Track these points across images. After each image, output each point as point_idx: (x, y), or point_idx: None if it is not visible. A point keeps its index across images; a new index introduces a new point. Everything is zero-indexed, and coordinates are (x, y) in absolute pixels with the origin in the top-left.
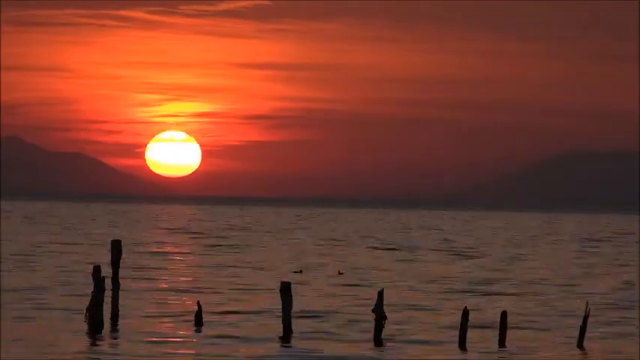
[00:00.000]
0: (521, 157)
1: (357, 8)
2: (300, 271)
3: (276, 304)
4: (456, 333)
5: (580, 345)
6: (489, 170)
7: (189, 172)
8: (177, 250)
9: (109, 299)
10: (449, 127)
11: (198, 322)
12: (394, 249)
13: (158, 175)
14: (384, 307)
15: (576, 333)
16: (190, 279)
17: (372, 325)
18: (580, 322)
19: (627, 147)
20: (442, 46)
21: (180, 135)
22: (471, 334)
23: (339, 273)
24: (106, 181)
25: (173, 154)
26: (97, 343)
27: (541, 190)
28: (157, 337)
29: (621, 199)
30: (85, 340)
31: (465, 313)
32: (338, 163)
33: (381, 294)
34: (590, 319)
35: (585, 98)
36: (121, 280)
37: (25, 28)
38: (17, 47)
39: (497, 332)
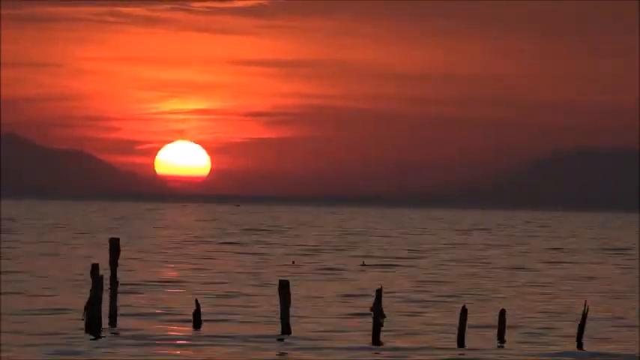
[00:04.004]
0: (520, 155)
1: (359, 4)
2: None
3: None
4: (455, 331)
5: (579, 343)
6: (487, 168)
7: (203, 174)
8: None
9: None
10: (449, 124)
11: (197, 321)
12: None
13: (157, 173)
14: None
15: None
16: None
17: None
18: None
19: (627, 145)
20: (442, 42)
21: (184, 136)
22: (469, 332)
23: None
24: (105, 178)
25: (181, 157)
26: (95, 341)
27: (540, 188)
28: (155, 337)
29: (621, 198)
30: (82, 339)
31: (464, 311)
32: (338, 161)
33: (379, 292)
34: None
35: (585, 95)
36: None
37: (23, 24)
38: (15, 43)
39: (496, 330)
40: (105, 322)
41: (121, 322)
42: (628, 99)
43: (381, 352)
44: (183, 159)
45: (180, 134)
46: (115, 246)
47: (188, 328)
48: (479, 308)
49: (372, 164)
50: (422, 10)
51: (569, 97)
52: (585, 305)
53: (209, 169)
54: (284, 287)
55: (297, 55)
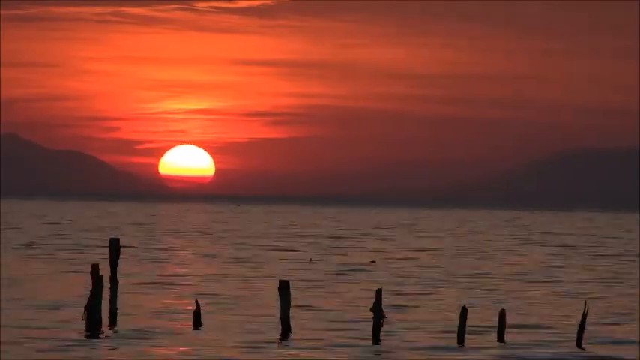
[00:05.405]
0: (521, 155)
1: (362, 4)
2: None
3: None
4: (455, 330)
5: (579, 343)
6: (489, 168)
7: (208, 174)
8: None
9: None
10: (453, 123)
11: (197, 321)
12: None
13: (157, 172)
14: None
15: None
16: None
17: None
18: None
19: (627, 145)
20: (447, 42)
21: (186, 136)
22: (469, 331)
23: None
24: (105, 179)
25: (185, 158)
26: (95, 341)
27: (541, 188)
28: (155, 336)
29: (621, 199)
30: (82, 339)
31: (464, 310)
32: (338, 161)
33: (379, 292)
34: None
35: (585, 95)
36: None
37: (22, 24)
38: (15, 43)
39: (495, 330)
40: (105, 321)
41: (120, 321)
42: (628, 99)
43: (381, 352)
44: (187, 160)
45: (182, 134)
46: (114, 246)
47: (188, 328)
48: (478, 308)
49: (372, 164)
50: (422, 10)
51: (570, 98)
52: (585, 306)
53: (214, 170)
54: (284, 288)
55: (299, 55)
